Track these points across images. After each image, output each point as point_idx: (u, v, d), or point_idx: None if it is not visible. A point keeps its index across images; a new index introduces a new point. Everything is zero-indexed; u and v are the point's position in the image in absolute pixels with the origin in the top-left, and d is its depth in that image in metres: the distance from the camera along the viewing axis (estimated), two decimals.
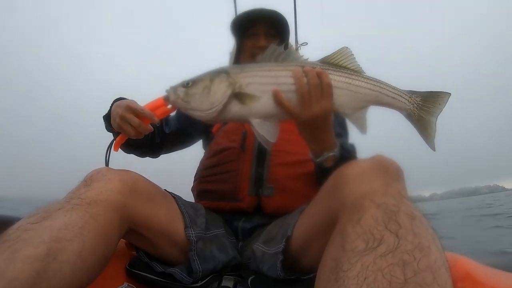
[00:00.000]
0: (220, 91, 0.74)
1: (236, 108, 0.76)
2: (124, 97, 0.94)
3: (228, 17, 1.27)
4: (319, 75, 0.73)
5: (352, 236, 0.45)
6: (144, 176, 0.76)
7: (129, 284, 0.74)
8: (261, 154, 0.99)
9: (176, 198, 0.85)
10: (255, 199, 0.96)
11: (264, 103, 0.75)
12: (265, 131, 0.75)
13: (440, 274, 0.38)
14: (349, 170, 0.59)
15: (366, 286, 0.37)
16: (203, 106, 0.75)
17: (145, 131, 0.83)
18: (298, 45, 2.90)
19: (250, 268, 0.81)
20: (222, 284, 0.76)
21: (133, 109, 0.80)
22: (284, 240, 0.72)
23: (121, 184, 0.66)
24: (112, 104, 0.91)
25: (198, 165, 1.14)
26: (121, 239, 0.92)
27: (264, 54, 0.79)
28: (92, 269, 0.56)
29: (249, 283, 0.76)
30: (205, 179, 1.04)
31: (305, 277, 0.72)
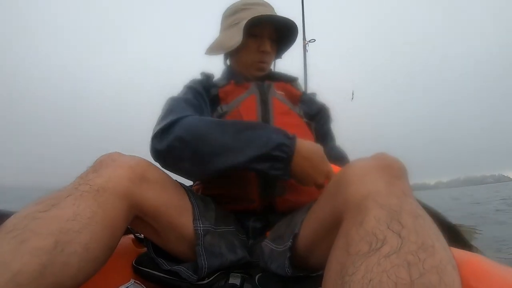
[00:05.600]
0: None
1: None
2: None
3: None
4: None
5: (355, 239, 0.44)
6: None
7: (136, 281, 0.73)
8: None
9: (187, 190, 0.83)
10: (266, 199, 0.94)
11: None
12: None
13: (446, 273, 0.37)
14: (351, 170, 0.57)
15: None
16: None
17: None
18: (306, 42, 2.91)
19: (259, 265, 0.80)
20: (229, 282, 0.75)
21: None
22: (291, 237, 0.71)
23: (130, 170, 0.64)
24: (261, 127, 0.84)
25: None
26: (130, 237, 0.92)
27: None
28: (98, 260, 0.55)
29: (256, 280, 0.75)
30: (210, 185, 1.00)
31: (313, 275, 0.70)
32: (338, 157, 1.14)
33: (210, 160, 0.80)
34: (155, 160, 0.88)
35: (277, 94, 1.11)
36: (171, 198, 0.74)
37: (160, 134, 0.83)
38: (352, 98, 2.84)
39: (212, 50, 1.15)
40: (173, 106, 0.94)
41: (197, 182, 1.05)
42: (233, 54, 1.17)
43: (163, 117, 0.89)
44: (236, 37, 1.06)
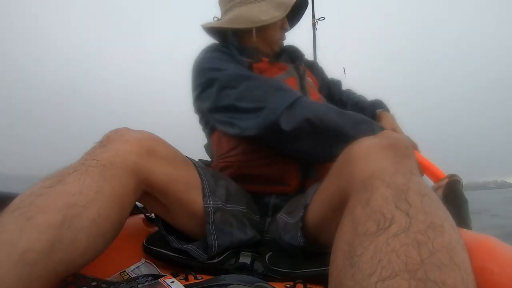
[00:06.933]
0: None
1: None
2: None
3: None
4: None
5: (362, 218, 0.42)
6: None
7: (147, 261, 0.74)
8: None
9: (196, 165, 0.81)
10: (301, 183, 0.94)
11: None
12: None
13: (456, 252, 0.36)
14: (358, 148, 0.56)
15: (381, 269, 0.35)
16: None
17: None
18: (315, 20, 2.82)
19: (274, 238, 0.81)
20: (240, 260, 0.75)
21: None
22: (303, 208, 0.71)
23: (138, 145, 0.63)
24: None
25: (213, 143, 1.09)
26: (140, 217, 0.93)
27: None
28: (107, 236, 0.54)
29: (266, 259, 0.75)
30: (247, 164, 0.96)
31: (322, 253, 0.69)
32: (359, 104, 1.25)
33: (335, 146, 0.80)
34: (266, 135, 0.86)
35: (309, 81, 1.11)
36: (180, 173, 0.73)
37: (288, 113, 0.82)
38: (345, 73, 2.80)
39: (237, 22, 1.05)
40: (275, 83, 0.90)
41: (223, 160, 1.00)
42: (251, 30, 1.06)
43: (276, 92, 0.86)
44: (274, 13, 1.02)
